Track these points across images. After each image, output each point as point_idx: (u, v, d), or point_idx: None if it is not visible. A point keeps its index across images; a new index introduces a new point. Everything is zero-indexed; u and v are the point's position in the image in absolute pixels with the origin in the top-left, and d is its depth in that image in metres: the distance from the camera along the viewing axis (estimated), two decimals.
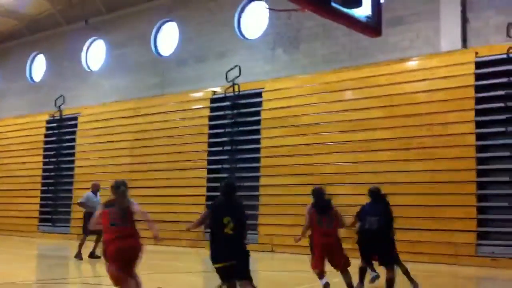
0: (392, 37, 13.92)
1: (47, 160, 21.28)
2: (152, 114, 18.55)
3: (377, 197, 8.54)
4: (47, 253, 16.83)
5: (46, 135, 21.58)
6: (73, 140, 20.72)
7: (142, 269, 11.25)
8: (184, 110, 17.81)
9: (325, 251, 7.90)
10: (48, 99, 21.58)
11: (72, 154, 20.56)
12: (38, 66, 23.44)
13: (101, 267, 10.99)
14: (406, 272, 8.58)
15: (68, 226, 19.80)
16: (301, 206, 14.39)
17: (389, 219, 8.34)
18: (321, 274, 7.80)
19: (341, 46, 15.02)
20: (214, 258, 6.51)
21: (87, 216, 12.35)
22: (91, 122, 20.31)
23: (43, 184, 21.21)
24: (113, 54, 20.42)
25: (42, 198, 21.10)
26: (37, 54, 23.35)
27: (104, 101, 20.04)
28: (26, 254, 16.29)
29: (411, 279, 8.54)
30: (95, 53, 21.38)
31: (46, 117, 21.60)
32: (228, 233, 6.44)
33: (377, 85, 14.07)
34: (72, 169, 20.45)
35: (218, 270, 6.54)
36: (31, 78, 23.59)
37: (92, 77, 21.09)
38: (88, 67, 21.39)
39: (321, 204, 8.08)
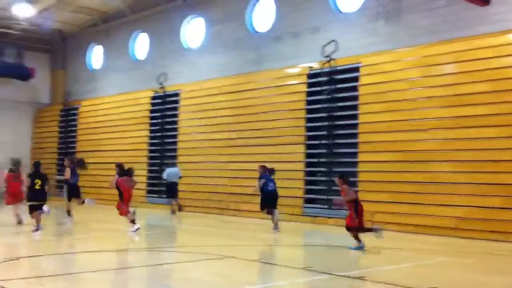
0: (494, 9, 13.32)
1: (152, 134, 22.46)
2: (249, 90, 18.96)
3: None
4: (153, 222, 17.91)
5: (151, 111, 22.70)
6: (176, 115, 21.67)
7: (244, 241, 11.81)
8: (281, 85, 18.05)
9: None
10: (151, 76, 22.61)
11: (175, 129, 21.55)
12: (141, 44, 24.50)
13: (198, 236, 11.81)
14: None
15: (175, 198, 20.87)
16: (400, 183, 14.45)
17: None
18: None
19: (442, 17, 14.52)
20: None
21: None
22: (191, 99, 21.11)
23: (150, 158, 22.45)
24: (211, 32, 20.95)
25: (149, 171, 22.35)
26: (140, 32, 24.39)
27: (203, 78, 20.72)
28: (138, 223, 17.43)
29: None
30: (194, 31, 22.03)
31: (151, 94, 22.67)
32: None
33: (480, 59, 13.54)
34: (175, 143, 21.47)
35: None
36: (134, 56, 24.72)
37: (191, 54, 21.79)
38: (187, 45, 22.10)
39: None
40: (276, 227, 14.09)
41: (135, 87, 23.76)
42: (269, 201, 14.31)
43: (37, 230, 13.05)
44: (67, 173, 16.62)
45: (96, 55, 27.05)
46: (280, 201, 14.62)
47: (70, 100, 27.66)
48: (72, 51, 28.30)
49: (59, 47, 28.67)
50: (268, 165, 14.85)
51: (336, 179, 11.34)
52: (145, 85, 23.08)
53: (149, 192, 22.25)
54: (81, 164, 16.23)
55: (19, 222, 14.55)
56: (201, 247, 11.10)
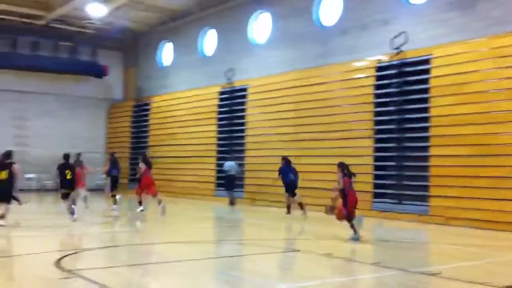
0: None
1: (220, 129, 22.80)
2: (316, 84, 18.86)
3: None
4: (220, 215, 18.19)
5: (219, 106, 23.05)
6: (243, 110, 21.89)
7: (309, 235, 11.78)
8: (348, 79, 17.85)
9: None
10: (219, 71, 22.95)
11: (243, 124, 21.77)
12: (209, 41, 24.89)
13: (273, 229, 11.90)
14: None
15: (242, 191, 21.12)
16: (473, 178, 13.97)
17: None
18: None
19: None
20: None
21: None
22: (258, 93, 21.25)
23: (218, 152, 22.81)
24: (278, 26, 20.99)
25: (217, 165, 22.71)
26: (208, 29, 24.77)
27: (270, 73, 20.80)
28: (202, 215, 17.80)
29: None
30: (261, 26, 22.14)
31: (219, 89, 23.01)
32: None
33: None
34: (243, 137, 21.70)
35: None
36: (203, 52, 25.14)
37: (258, 49, 21.92)
38: (255, 40, 22.25)
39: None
40: (289, 212, 16.09)
41: (204, 82, 24.17)
42: (288, 189, 16.08)
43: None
44: (106, 166, 18.13)
45: (166, 52, 27.73)
46: None
47: (142, 96, 28.52)
48: (143, 48, 29.14)
49: (130, 45, 29.59)
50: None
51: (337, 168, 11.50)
52: (213, 81, 23.44)
53: (218, 185, 22.60)
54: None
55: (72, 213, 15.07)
56: (267, 240, 11.19)
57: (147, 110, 27.76)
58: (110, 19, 25.96)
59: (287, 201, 16.27)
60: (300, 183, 18.22)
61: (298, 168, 18.79)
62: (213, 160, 22.90)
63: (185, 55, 25.90)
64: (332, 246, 10.72)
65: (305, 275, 7.89)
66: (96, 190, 28.30)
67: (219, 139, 22.90)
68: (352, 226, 11.04)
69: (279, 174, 16.44)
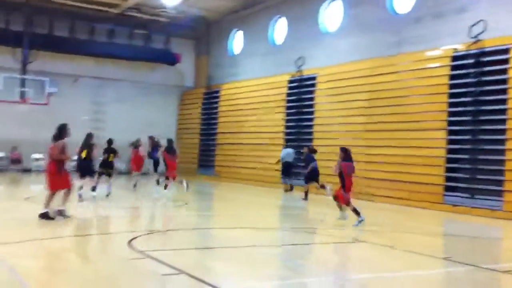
0: None
1: (289, 117, 22.80)
2: (387, 73, 18.46)
3: None
4: (287, 203, 18.24)
5: (288, 94, 23.04)
6: (312, 99, 21.77)
7: (378, 226, 11.62)
8: (421, 69, 17.35)
9: None
10: (289, 60, 22.91)
11: (311, 113, 21.67)
12: (280, 29, 24.89)
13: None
14: None
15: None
16: None
17: None
18: None
19: None
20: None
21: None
22: (328, 82, 21.06)
23: (286, 140, 22.71)
24: (349, 14, 20.67)
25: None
26: (279, 17, 24.76)
27: (340, 62, 20.55)
28: (269, 203, 17.92)
29: None
30: (331, 14, 21.89)
31: (288, 78, 22.99)
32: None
33: None
34: (311, 126, 21.62)
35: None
36: (273, 40, 25.16)
37: (329, 38, 21.70)
38: (325, 29, 22.03)
39: None
40: (306, 197, 17.50)
41: (273, 71, 24.21)
42: (314, 177, 17.74)
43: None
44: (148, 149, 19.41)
45: (237, 41, 27.96)
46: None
47: (212, 84, 28.95)
48: (214, 37, 29.52)
49: (203, 33, 30.03)
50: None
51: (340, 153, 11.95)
52: (282, 69, 23.43)
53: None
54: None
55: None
56: (333, 230, 11.14)
57: (217, 97, 28.15)
58: (183, 8, 26.40)
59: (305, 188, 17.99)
60: (369, 175, 18.06)
61: (366, 158, 18.58)
62: (280, 148, 22.91)
63: (255, 43, 26.02)
64: (401, 238, 10.54)
65: (374, 266, 7.80)
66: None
67: (287, 127, 22.90)
68: (355, 210, 11.48)
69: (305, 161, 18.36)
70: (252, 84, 25.32)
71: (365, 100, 19.15)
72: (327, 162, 20.10)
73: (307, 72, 22.04)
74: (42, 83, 23.86)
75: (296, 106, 22.44)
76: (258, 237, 10.27)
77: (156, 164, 19.38)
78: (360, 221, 11.36)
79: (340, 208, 11.90)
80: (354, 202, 11.57)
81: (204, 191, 21.61)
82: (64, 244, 8.66)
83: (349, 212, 11.70)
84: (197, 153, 28.99)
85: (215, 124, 27.91)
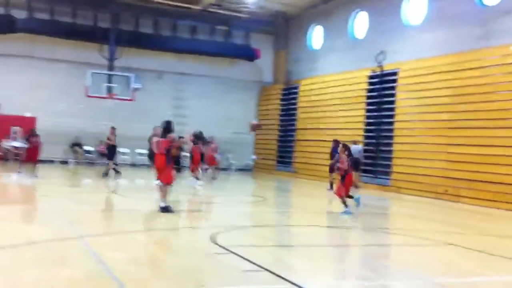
0: None
1: (368, 114, 22.45)
2: (473, 68, 17.73)
3: None
4: (367, 202, 17.97)
5: (368, 90, 22.67)
6: (393, 95, 21.31)
7: (463, 228, 11.23)
8: (509, 63, 16.54)
9: None
10: (369, 54, 22.51)
11: (392, 109, 21.21)
12: (360, 23, 24.51)
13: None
14: None
15: (388, 179, 20.73)
16: None
17: None
18: None
19: None
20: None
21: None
22: (410, 77, 20.53)
23: (365, 137, 22.49)
24: (433, 7, 20.01)
25: (364, 150, 22.40)
26: (359, 11, 24.39)
27: (424, 56, 19.97)
28: (348, 201, 17.73)
29: None
30: (414, 7, 21.30)
31: (368, 73, 22.62)
32: None
33: None
34: (392, 123, 21.17)
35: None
36: (353, 35, 24.83)
37: (412, 31, 21.13)
38: (408, 22, 21.47)
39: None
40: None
41: (353, 66, 23.89)
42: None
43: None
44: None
45: (316, 35, 27.82)
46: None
47: (291, 79, 28.97)
48: (293, 32, 29.50)
49: (281, 28, 30.09)
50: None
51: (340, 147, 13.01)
52: (362, 64, 23.08)
53: (363, 171, 22.28)
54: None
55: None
56: (417, 231, 10.88)
57: (295, 93, 28.14)
58: (262, 3, 26.62)
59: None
60: (451, 174, 17.53)
61: (448, 157, 18.00)
62: (361, 145, 22.60)
63: (335, 38, 25.78)
64: (487, 242, 10.15)
65: (463, 270, 7.55)
66: (245, 170, 29.50)
67: (367, 124, 22.54)
68: (344, 203, 12.47)
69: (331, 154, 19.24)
70: (332, 79, 25.11)
71: (449, 96, 18.51)
72: (408, 161, 19.76)
73: (388, 67, 21.58)
74: (127, 79, 24.78)
75: (377, 102, 22.04)
76: (338, 236, 10.23)
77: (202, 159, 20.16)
78: (346, 212, 12.26)
79: (344, 203, 12.55)
80: (435, 203, 11.27)
81: (283, 188, 21.73)
82: (150, 237, 9.00)
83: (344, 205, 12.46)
84: (276, 149, 29.13)
85: (294, 120, 27.91)
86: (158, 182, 11.78)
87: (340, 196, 12.62)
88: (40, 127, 26.36)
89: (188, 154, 20.18)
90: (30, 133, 20.20)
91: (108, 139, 19.73)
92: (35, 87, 26.54)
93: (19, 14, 25.15)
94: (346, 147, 12.77)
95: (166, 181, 11.07)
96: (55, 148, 26.17)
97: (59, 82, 26.92)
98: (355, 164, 20.36)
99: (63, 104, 26.90)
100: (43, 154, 25.57)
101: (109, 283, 5.77)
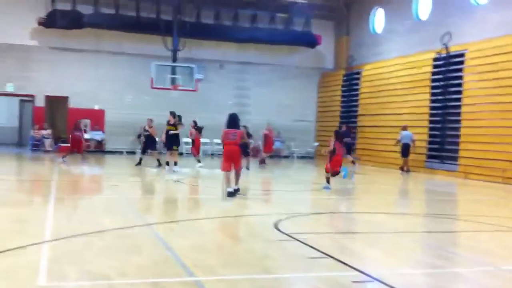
0: None
1: (434, 98, 21.81)
2: None
3: None
4: (433, 188, 17.56)
5: (432, 73, 22.02)
6: (460, 77, 20.61)
7: None
8: None
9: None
10: (434, 36, 21.86)
11: (459, 92, 20.53)
12: (424, 4, 23.80)
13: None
14: None
15: (456, 164, 20.14)
16: None
17: None
18: None
19: None
20: None
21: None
22: (478, 59, 19.79)
23: (431, 122, 21.90)
24: None
25: (429, 135, 21.87)
26: None
27: (492, 36, 19.18)
28: (414, 188, 17.38)
29: None
30: None
31: (433, 55, 21.96)
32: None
33: None
34: (459, 107, 20.50)
35: None
36: (417, 16, 24.14)
37: (479, 11, 20.33)
38: (475, 1, 20.65)
39: None
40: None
41: (417, 49, 23.27)
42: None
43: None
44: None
45: (378, 19, 27.25)
46: None
47: (353, 64, 28.55)
48: (355, 16, 29.02)
49: (343, 13, 29.66)
50: None
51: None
52: (427, 47, 22.45)
53: (429, 157, 21.78)
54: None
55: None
56: (485, 217, 10.53)
57: (357, 78, 27.72)
58: None
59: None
60: None
61: None
62: (425, 130, 22.08)
63: (398, 20, 25.17)
64: None
65: None
66: (307, 157, 29.43)
67: (432, 108, 21.92)
68: (327, 179, 13.93)
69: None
70: (395, 63, 24.58)
71: None
72: (475, 145, 19.11)
73: (454, 48, 20.89)
74: (190, 70, 25.17)
75: (442, 85, 21.38)
76: (403, 223, 10.05)
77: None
78: (327, 188, 13.79)
79: (328, 180, 13.98)
80: (505, 188, 10.78)
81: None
82: (215, 224, 9.15)
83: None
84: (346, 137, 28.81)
85: (356, 106, 27.54)
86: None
87: (327, 172, 14.02)
88: (108, 119, 27.31)
89: (189, 140, 22.17)
90: (74, 126, 21.04)
91: (145, 129, 20.14)
92: (103, 81, 27.43)
93: (86, 10, 25.99)
94: (336, 134, 14.59)
95: (239, 168, 12.16)
96: (123, 140, 27.05)
97: (125, 75, 27.70)
98: (405, 149, 21.34)
99: (129, 96, 27.68)
100: (111, 146, 26.43)
101: (177, 269, 5.92)
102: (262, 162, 22.07)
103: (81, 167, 19.12)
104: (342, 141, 14.67)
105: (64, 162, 19.57)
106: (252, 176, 16.96)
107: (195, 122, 20.95)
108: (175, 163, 17.94)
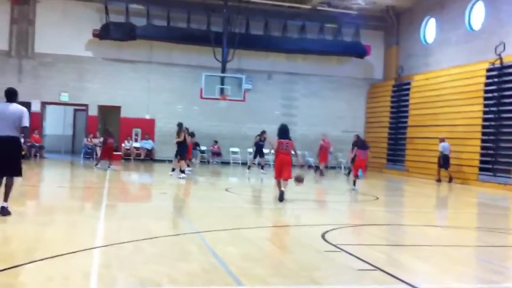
0: None
1: (487, 109, 21.24)
2: None
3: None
4: (486, 201, 17.07)
5: (486, 84, 21.47)
6: None
7: None
8: None
9: None
10: (487, 46, 21.36)
11: None
12: (477, 14, 23.29)
13: None
14: None
15: (510, 177, 19.52)
16: None
17: None
18: None
19: None
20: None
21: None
22: None
23: (483, 134, 21.33)
24: None
25: (482, 147, 21.30)
26: (476, 1, 23.18)
27: None
28: (466, 201, 16.94)
29: None
30: None
31: (486, 65, 21.43)
32: None
33: None
34: None
35: None
36: (470, 26, 23.65)
37: None
38: None
39: None
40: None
41: (469, 59, 22.78)
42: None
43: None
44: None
45: (429, 29, 26.82)
46: None
47: (403, 75, 28.16)
48: (405, 26, 28.66)
49: (392, 23, 29.35)
50: None
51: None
52: (480, 57, 21.94)
53: (481, 169, 21.19)
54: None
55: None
56: None
57: (407, 89, 27.30)
58: None
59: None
60: None
61: None
62: (477, 142, 21.50)
63: (450, 30, 24.70)
64: None
65: None
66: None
67: (485, 120, 21.34)
68: (354, 182, 16.44)
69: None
70: (447, 73, 24.10)
71: None
72: None
73: (509, 58, 20.32)
74: (239, 80, 25.42)
75: (496, 97, 20.81)
76: (453, 236, 9.81)
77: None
78: (353, 189, 15.99)
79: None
80: None
81: (395, 187, 21.22)
82: (262, 233, 9.18)
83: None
84: (386, 147, 28.47)
85: (405, 117, 27.11)
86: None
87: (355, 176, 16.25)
88: (158, 128, 27.84)
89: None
90: (105, 134, 21.55)
91: (178, 136, 20.25)
92: (154, 91, 28.01)
93: (138, 22, 26.65)
94: (355, 142, 18.36)
95: (289, 177, 12.84)
96: (172, 148, 27.52)
97: (176, 85, 28.20)
98: (443, 160, 21.88)
99: (179, 106, 28.13)
100: (161, 154, 26.89)
101: (225, 277, 5.97)
102: (321, 173, 22.30)
103: (131, 175, 19.53)
104: (364, 148, 16.70)
105: (98, 169, 20.08)
106: (300, 186, 16.92)
107: (187, 129, 20.89)
108: (181, 170, 18.33)
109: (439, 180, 22.03)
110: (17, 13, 26.45)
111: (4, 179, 9.20)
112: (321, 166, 22.78)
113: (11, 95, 9.22)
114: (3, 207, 9.03)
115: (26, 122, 9.05)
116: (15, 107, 9.11)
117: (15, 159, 9.20)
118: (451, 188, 20.22)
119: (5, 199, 9.14)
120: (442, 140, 22.08)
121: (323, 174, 22.25)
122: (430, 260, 7.50)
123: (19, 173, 9.30)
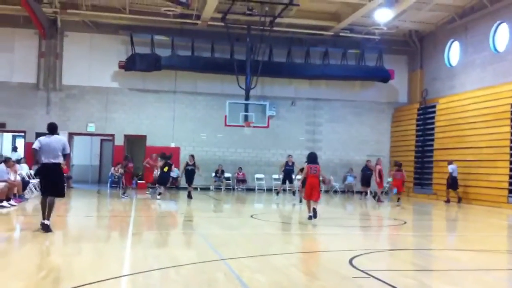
0: None
1: None
2: None
3: None
4: None
5: None
6: None
7: None
8: None
9: None
10: None
11: None
12: (501, 36, 23.14)
13: None
14: None
15: None
16: None
17: None
18: None
19: None
20: None
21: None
22: None
23: None
24: None
25: (511, 169, 20.91)
26: (500, 23, 23.05)
27: None
28: (496, 224, 16.59)
29: None
30: None
31: None
32: None
33: None
34: None
35: None
36: (494, 48, 23.47)
37: None
38: None
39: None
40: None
41: (495, 81, 22.58)
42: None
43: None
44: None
45: (453, 52, 26.70)
46: None
47: (428, 98, 27.98)
48: (428, 50, 28.58)
49: (415, 47, 29.30)
50: None
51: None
52: (505, 79, 21.75)
53: (511, 192, 20.77)
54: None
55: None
56: None
57: (432, 112, 27.10)
58: (395, 23, 26.19)
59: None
60: None
61: None
62: (506, 164, 21.14)
63: (474, 53, 24.55)
64: None
65: None
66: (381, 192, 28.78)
67: None
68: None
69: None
70: (472, 96, 23.90)
71: None
72: None
73: None
74: (262, 107, 25.57)
75: None
76: (484, 260, 9.59)
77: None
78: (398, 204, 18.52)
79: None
80: None
81: (422, 211, 20.91)
82: (288, 260, 9.10)
83: None
84: (412, 171, 28.16)
85: (432, 140, 26.86)
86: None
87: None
88: (183, 156, 28.07)
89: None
90: (125, 160, 21.78)
91: (188, 164, 21.63)
92: (179, 119, 28.30)
93: (163, 53, 27.08)
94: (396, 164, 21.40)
95: (319, 198, 14.17)
96: (197, 176, 27.64)
97: (200, 113, 28.47)
98: (452, 181, 22.69)
99: (203, 134, 28.33)
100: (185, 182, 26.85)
101: None
102: (379, 199, 22.31)
103: (156, 204, 19.64)
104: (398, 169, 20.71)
105: (127, 197, 20.39)
106: (325, 211, 16.80)
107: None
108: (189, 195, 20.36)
109: (448, 201, 22.91)
110: (45, 47, 27.15)
111: (48, 199, 10.66)
112: (378, 192, 22.88)
113: (53, 129, 11.00)
114: (46, 225, 10.36)
115: (68, 150, 11.05)
116: (58, 138, 10.93)
117: (60, 182, 11.11)
118: (480, 211, 19.83)
119: (48, 217, 10.56)
120: (450, 162, 22.90)
121: (382, 200, 22.32)
122: (461, 285, 7.34)
123: (62, 194, 11.16)
